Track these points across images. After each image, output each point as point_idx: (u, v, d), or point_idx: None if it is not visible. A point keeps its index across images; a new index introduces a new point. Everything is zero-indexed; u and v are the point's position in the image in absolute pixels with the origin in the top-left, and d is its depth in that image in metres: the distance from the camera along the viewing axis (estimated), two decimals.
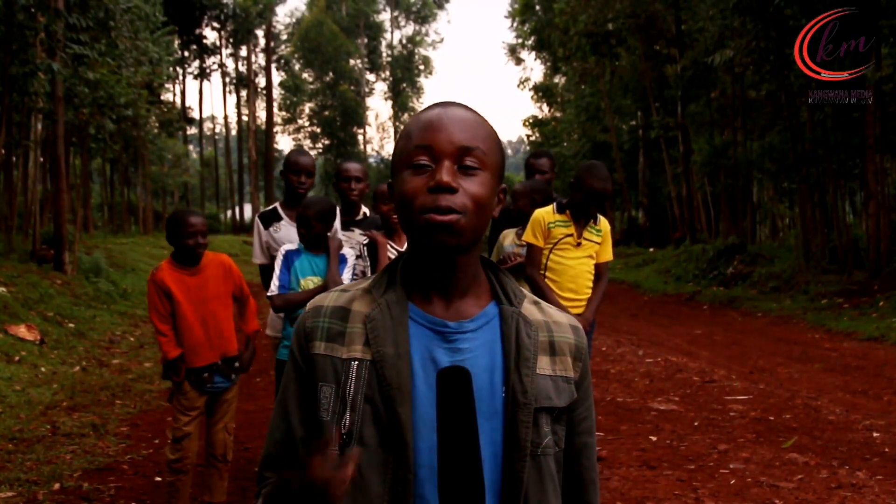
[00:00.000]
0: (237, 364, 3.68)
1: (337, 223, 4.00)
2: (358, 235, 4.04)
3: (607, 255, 4.19)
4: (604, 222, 4.17)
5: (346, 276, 3.62)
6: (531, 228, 4.09)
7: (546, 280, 4.06)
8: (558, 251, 4.05)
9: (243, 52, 44.82)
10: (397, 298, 1.11)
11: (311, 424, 1.12)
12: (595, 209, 4.11)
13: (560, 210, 4.08)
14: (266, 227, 4.04)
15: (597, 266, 4.15)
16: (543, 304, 1.21)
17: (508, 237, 4.48)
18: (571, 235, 4.04)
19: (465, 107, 1.14)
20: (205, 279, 3.57)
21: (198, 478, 3.83)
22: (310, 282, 3.54)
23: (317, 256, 3.58)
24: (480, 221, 1.08)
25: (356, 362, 1.08)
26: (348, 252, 3.71)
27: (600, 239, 4.13)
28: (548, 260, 4.07)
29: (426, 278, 1.12)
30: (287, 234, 3.87)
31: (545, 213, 4.08)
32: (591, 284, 4.13)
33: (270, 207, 4.17)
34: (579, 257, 4.06)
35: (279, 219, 4.03)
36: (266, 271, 3.79)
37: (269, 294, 3.56)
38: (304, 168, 3.97)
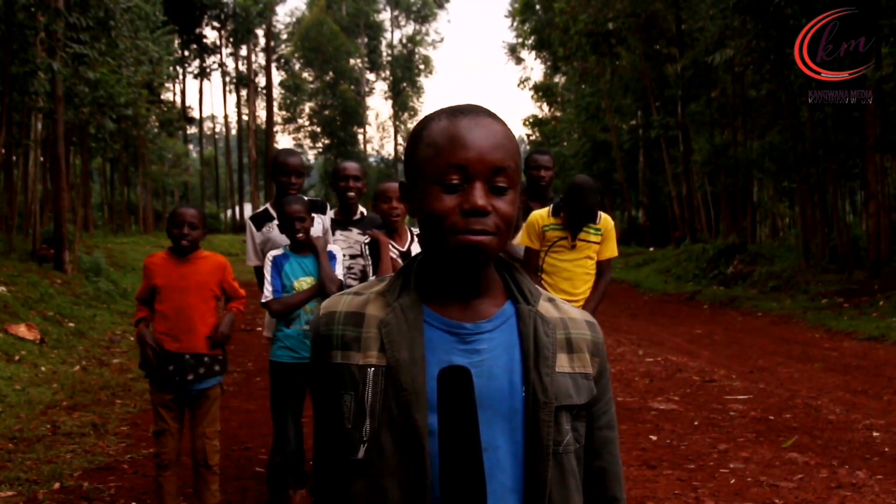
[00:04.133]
0: (211, 340, 3.53)
1: (326, 221, 4.02)
2: (356, 235, 4.04)
3: (610, 251, 4.17)
4: (605, 219, 4.16)
5: (339, 271, 3.63)
6: (525, 232, 4.13)
7: (542, 280, 4.08)
8: (553, 253, 4.08)
9: (243, 51, 44.86)
10: (412, 302, 1.10)
11: (335, 433, 1.12)
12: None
13: (555, 213, 4.10)
14: (259, 228, 4.02)
15: (599, 263, 4.14)
16: (558, 301, 1.20)
17: None
18: (566, 238, 4.06)
19: (493, 116, 1.10)
20: (191, 270, 3.55)
21: (191, 481, 3.83)
22: (303, 283, 3.55)
23: (304, 257, 3.59)
24: (507, 238, 1.09)
25: (372, 369, 1.08)
26: (335, 249, 3.71)
27: (599, 238, 4.12)
28: (543, 262, 4.10)
29: (443, 283, 1.12)
30: (281, 234, 3.87)
31: (540, 217, 4.11)
32: (590, 283, 4.13)
33: (262, 209, 4.14)
34: (575, 259, 4.07)
35: (271, 219, 4.01)
36: (261, 273, 3.77)
37: (263, 301, 3.55)
38: (292, 168, 3.89)
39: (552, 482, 1.08)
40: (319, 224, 3.96)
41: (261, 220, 4.05)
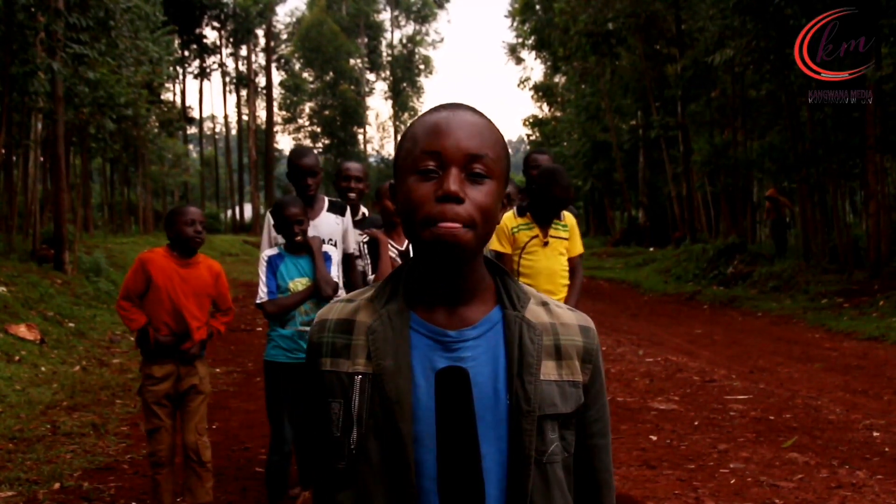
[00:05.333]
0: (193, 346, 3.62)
1: (347, 222, 4.01)
2: (357, 235, 4.04)
3: (577, 248, 4.16)
4: (568, 217, 4.15)
5: (333, 272, 3.63)
6: (496, 236, 4.02)
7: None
8: (527, 254, 4.01)
9: (243, 51, 44.86)
10: (399, 309, 1.09)
11: (323, 441, 1.13)
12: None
13: (521, 213, 4.05)
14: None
15: (570, 261, 4.13)
16: (552, 304, 1.17)
17: None
18: (537, 237, 4.01)
19: (474, 110, 1.10)
20: (192, 274, 3.57)
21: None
22: (298, 283, 3.54)
23: (300, 258, 3.58)
24: (486, 231, 1.06)
25: (360, 377, 1.07)
26: (331, 249, 3.71)
27: (567, 234, 4.11)
28: (519, 265, 4.02)
29: (429, 286, 1.10)
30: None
31: (507, 219, 4.03)
32: (567, 280, 4.11)
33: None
34: (550, 256, 4.04)
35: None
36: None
37: (258, 302, 3.55)
38: (307, 169, 3.86)
39: (534, 492, 1.06)
40: (339, 226, 3.92)
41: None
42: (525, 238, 4.01)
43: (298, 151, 3.92)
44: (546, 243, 4.01)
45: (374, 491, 1.05)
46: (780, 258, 15.74)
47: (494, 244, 4.03)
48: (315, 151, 4.11)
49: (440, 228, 1.02)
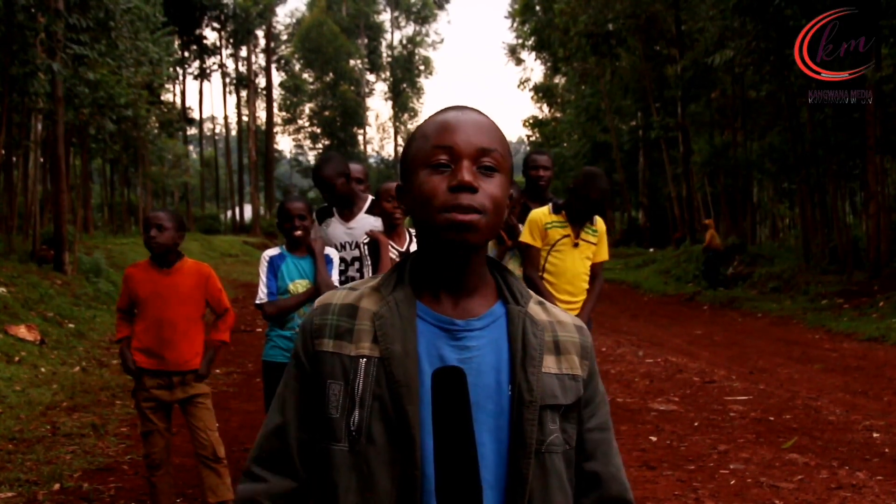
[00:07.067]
0: (196, 372, 3.56)
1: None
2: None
3: (603, 254, 4.15)
4: (599, 222, 4.13)
5: (334, 275, 3.62)
6: (528, 229, 4.03)
7: (543, 282, 4.02)
8: (556, 253, 3.99)
9: (243, 52, 44.87)
10: (405, 296, 1.12)
11: (310, 424, 1.14)
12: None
13: (556, 211, 4.03)
14: (321, 221, 4.01)
15: (592, 266, 4.11)
16: (548, 304, 1.22)
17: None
18: (568, 237, 3.99)
19: (479, 111, 1.16)
20: (174, 281, 3.48)
21: (195, 479, 3.82)
22: (298, 285, 3.52)
23: (301, 259, 3.56)
24: (497, 222, 1.10)
25: (364, 359, 1.10)
26: (332, 252, 3.70)
27: (596, 239, 4.09)
28: (546, 262, 4.01)
29: (435, 277, 1.13)
30: (334, 231, 3.87)
31: (542, 214, 4.02)
32: (587, 285, 4.11)
33: (322, 206, 4.12)
34: (577, 258, 4.02)
35: (331, 215, 4.00)
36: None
37: (258, 302, 3.52)
38: (328, 179, 3.82)
39: (533, 480, 1.09)
40: (378, 224, 3.91)
41: (323, 214, 4.04)
42: (556, 235, 3.99)
43: (320, 160, 3.96)
44: (576, 244, 4.00)
45: (378, 473, 1.07)
46: (712, 289, 15.41)
47: (526, 236, 4.03)
48: (314, 153, 4.10)
49: (456, 217, 1.06)
